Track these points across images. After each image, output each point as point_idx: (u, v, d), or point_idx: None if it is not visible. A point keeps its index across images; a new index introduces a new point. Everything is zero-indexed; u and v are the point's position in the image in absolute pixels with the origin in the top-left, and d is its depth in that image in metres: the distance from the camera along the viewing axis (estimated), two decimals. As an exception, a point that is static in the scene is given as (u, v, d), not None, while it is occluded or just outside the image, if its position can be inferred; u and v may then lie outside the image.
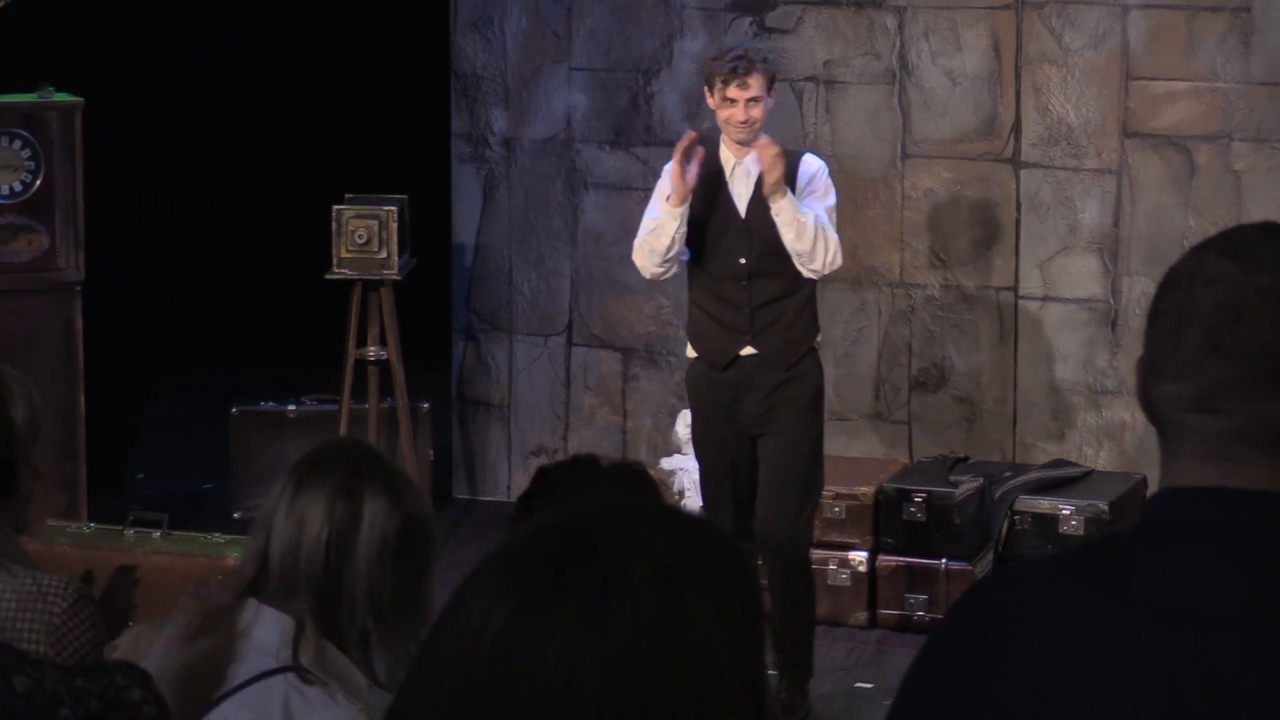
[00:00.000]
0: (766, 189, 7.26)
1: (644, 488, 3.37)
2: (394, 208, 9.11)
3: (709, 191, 7.43)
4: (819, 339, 7.64)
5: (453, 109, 10.01)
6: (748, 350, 7.44)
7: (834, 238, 7.38)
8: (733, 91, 7.28)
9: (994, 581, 2.47)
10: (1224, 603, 2.21)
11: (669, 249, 7.36)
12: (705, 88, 7.51)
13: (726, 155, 7.47)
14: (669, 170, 7.38)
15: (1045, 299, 9.23)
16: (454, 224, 10.07)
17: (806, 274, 7.39)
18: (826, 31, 9.40)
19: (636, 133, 9.67)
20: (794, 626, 7.53)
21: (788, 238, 7.29)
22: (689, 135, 7.42)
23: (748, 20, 9.48)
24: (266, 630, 3.48)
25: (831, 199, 7.50)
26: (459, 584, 1.79)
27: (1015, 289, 9.26)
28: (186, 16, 12.01)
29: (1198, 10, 8.94)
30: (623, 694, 1.69)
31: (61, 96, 8.37)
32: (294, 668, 3.45)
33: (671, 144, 8.85)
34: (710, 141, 7.54)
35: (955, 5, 9.22)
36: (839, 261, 7.48)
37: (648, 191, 9.43)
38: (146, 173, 11.18)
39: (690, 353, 7.64)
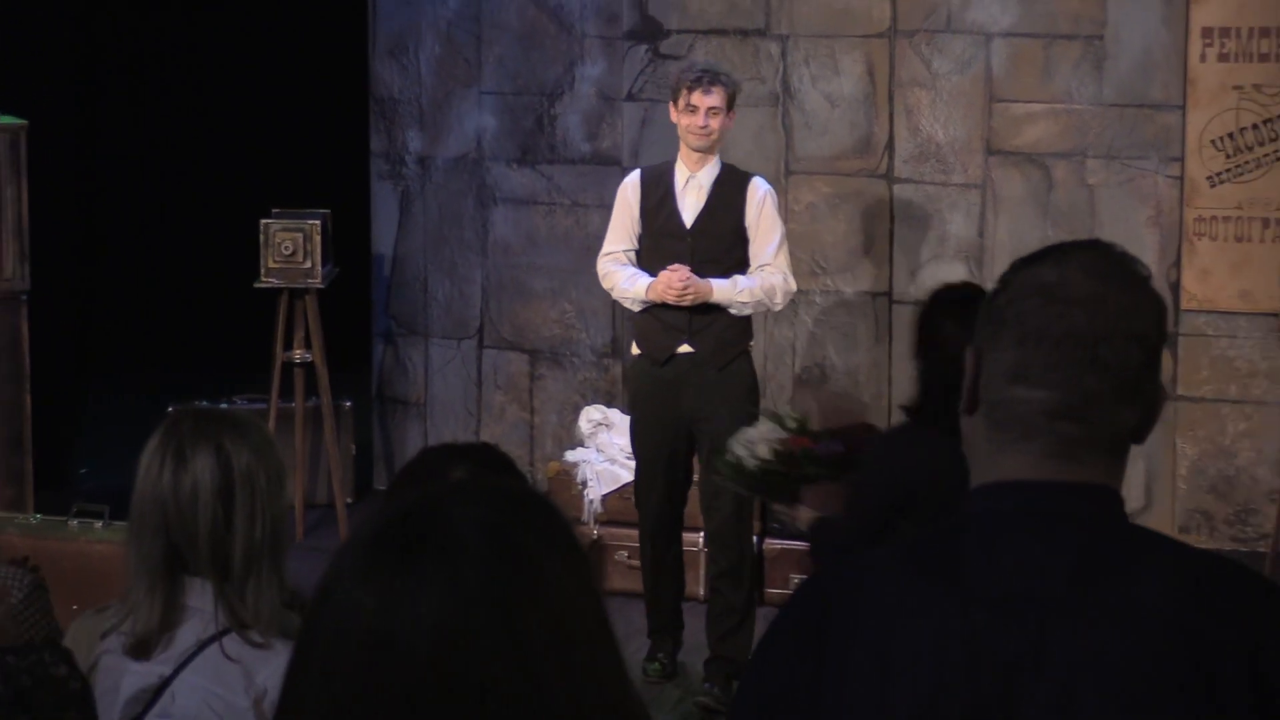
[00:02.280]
0: (691, 303, 7.26)
1: (498, 463, 3.40)
2: (318, 221, 9.10)
3: (660, 201, 7.40)
4: (752, 343, 7.62)
5: (371, 130, 10.02)
6: (685, 349, 7.41)
7: (777, 283, 7.35)
8: (696, 98, 7.26)
9: (832, 573, 2.43)
10: (1048, 586, 2.23)
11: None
12: (670, 102, 7.44)
13: (681, 168, 7.41)
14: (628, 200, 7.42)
15: (916, 303, 9.15)
16: (373, 236, 10.09)
17: None
18: (715, 58, 9.30)
19: (541, 151, 9.70)
20: (738, 621, 7.47)
21: (734, 311, 7.36)
22: (680, 273, 7.30)
23: (643, 48, 9.52)
24: (196, 596, 3.50)
25: (777, 234, 7.41)
26: (325, 572, 1.79)
27: (890, 294, 9.32)
28: (123, 45, 11.95)
29: (1054, 39, 9.03)
30: (497, 652, 1.70)
31: (7, 119, 8.31)
32: (232, 628, 3.48)
33: (573, 162, 8.99)
34: (667, 161, 7.55)
35: (834, 34, 9.29)
36: (791, 292, 7.48)
37: (552, 206, 9.56)
38: (87, 190, 11.11)
39: (634, 349, 7.57)
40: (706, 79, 7.26)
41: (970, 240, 9.19)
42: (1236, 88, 8.85)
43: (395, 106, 9.95)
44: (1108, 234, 8.96)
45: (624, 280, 7.43)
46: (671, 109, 7.44)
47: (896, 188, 9.28)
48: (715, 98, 7.27)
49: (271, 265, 9.10)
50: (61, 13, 10.26)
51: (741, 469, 5.59)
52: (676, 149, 7.46)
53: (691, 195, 7.40)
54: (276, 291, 9.19)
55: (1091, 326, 2.30)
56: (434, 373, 10.01)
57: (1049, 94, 9.07)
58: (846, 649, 2.27)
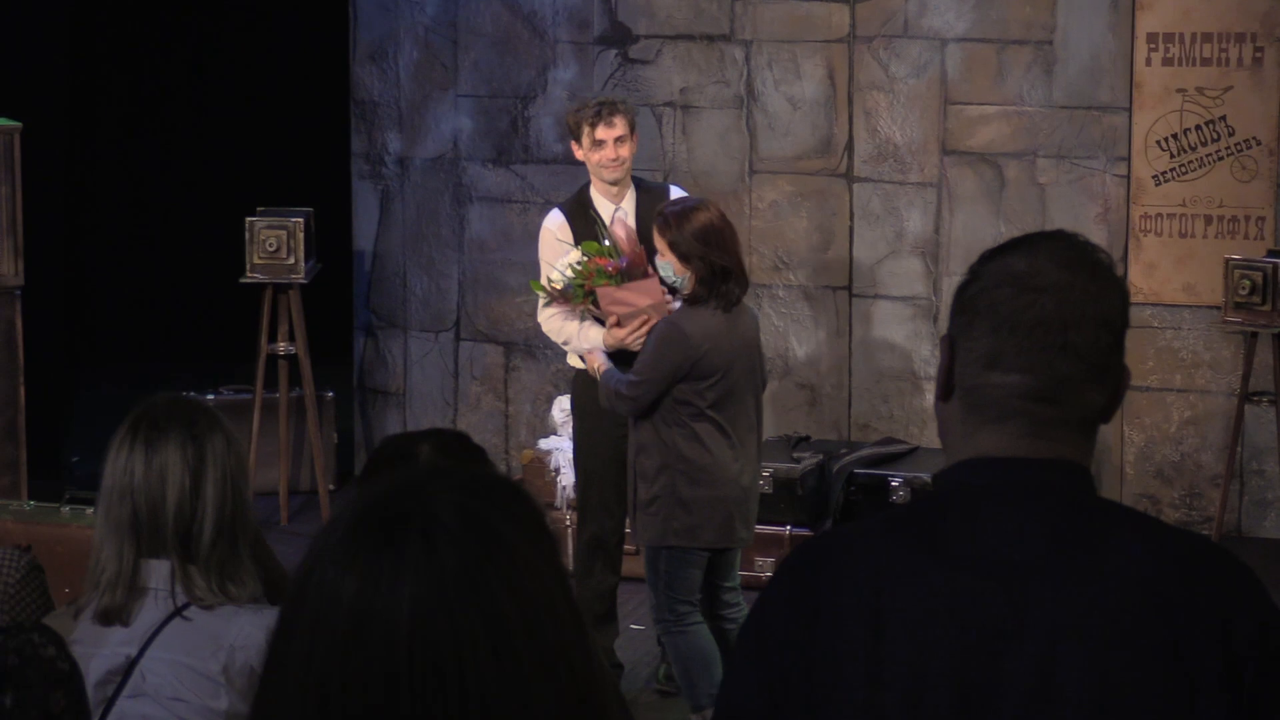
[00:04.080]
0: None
1: (457, 441, 3.46)
2: (301, 219, 9.08)
3: (589, 237, 7.03)
4: None
5: (352, 131, 10.03)
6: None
7: None
8: (601, 132, 6.97)
9: (821, 542, 2.45)
10: (1027, 551, 2.27)
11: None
12: (572, 141, 7.13)
13: (602, 202, 7.11)
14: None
15: (876, 297, 9.31)
16: (354, 233, 10.09)
17: None
18: (682, 62, 9.46)
19: (516, 152, 9.70)
20: None
21: None
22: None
23: (613, 53, 9.53)
24: (156, 577, 3.51)
25: None
26: (305, 554, 1.79)
27: (849, 288, 9.33)
28: (114, 50, 11.95)
29: (1006, 44, 9.06)
30: (473, 630, 1.70)
31: (2, 122, 8.29)
32: (190, 602, 3.49)
33: (546, 162, 8.98)
34: (585, 196, 7.19)
35: (795, 39, 9.30)
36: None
37: (526, 204, 9.57)
38: (78, 189, 11.10)
39: (574, 362, 7.22)
40: (605, 110, 6.98)
41: (927, 237, 9.21)
42: (1180, 90, 8.90)
43: (375, 109, 9.95)
44: (1058, 230, 8.97)
45: (556, 333, 7.06)
46: (575, 148, 7.12)
47: (856, 186, 9.30)
48: (618, 127, 7.00)
49: (256, 261, 9.08)
50: (54, 20, 10.24)
51: (550, 286, 6.90)
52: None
53: (618, 228, 7.02)
54: (261, 286, 9.17)
55: (1061, 313, 2.32)
56: (413, 364, 10.01)
57: (1001, 97, 9.10)
58: (839, 613, 2.29)
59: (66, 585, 4.97)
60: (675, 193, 7.19)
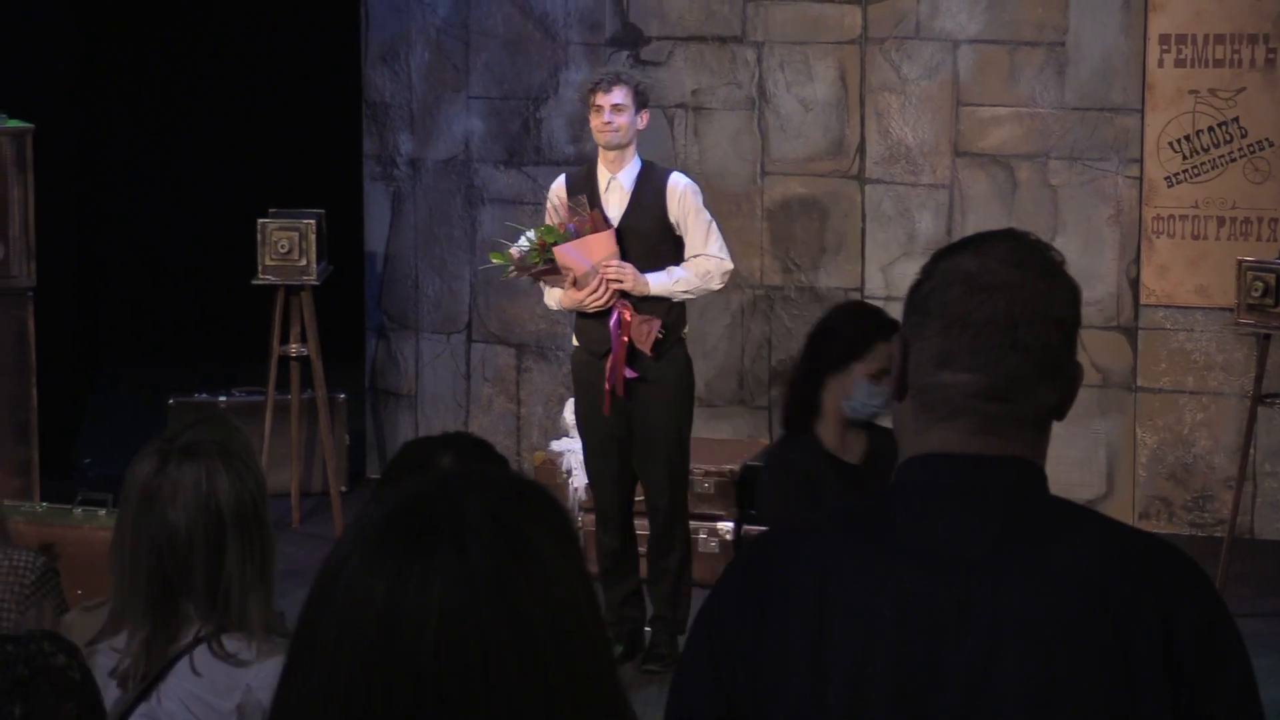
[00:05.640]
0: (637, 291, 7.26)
1: (478, 448, 3.42)
2: (312, 221, 9.05)
3: (588, 202, 7.37)
4: (686, 330, 7.53)
5: (364, 133, 10.01)
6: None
7: (712, 266, 7.35)
8: (599, 99, 7.32)
9: (770, 537, 2.48)
10: (973, 549, 2.27)
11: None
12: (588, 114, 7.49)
13: (603, 170, 7.40)
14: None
15: (888, 299, 9.14)
16: (366, 235, 10.07)
17: None
18: (694, 64, 9.44)
19: (527, 153, 9.69)
20: (672, 584, 7.53)
21: (676, 300, 7.35)
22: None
23: (625, 54, 9.50)
24: (186, 615, 3.41)
25: (704, 224, 7.39)
26: (330, 556, 1.78)
27: (861, 290, 9.29)
28: (126, 51, 11.95)
29: (1018, 45, 9.03)
30: (502, 635, 1.70)
31: (14, 123, 8.26)
32: (214, 632, 3.41)
33: (558, 164, 8.97)
34: (590, 161, 7.59)
35: (807, 41, 9.28)
36: (727, 271, 7.42)
37: (539, 205, 9.49)
38: (90, 191, 11.09)
39: (574, 340, 7.53)
40: (608, 79, 7.38)
41: (938, 238, 9.14)
42: (1193, 92, 8.88)
43: (387, 111, 9.93)
44: (1070, 232, 8.98)
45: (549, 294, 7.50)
46: (589, 116, 7.50)
47: (868, 188, 9.28)
48: (617, 95, 7.34)
49: (268, 263, 9.05)
50: (65, 20, 10.23)
51: (510, 256, 7.35)
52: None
53: (615, 195, 7.39)
54: (273, 288, 9.15)
55: (1011, 311, 2.31)
56: (424, 366, 9.99)
57: (1013, 98, 9.07)
58: (786, 606, 2.30)
59: (79, 587, 4.97)
60: (675, 183, 7.38)
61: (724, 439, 9.27)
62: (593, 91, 7.38)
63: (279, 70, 11.89)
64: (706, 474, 8.49)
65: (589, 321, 7.42)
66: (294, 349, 9.22)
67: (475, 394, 9.91)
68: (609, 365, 7.26)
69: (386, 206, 10.00)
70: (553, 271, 7.27)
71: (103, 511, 6.88)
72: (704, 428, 8.78)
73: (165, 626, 3.39)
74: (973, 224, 9.11)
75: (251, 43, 11.99)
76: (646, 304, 7.33)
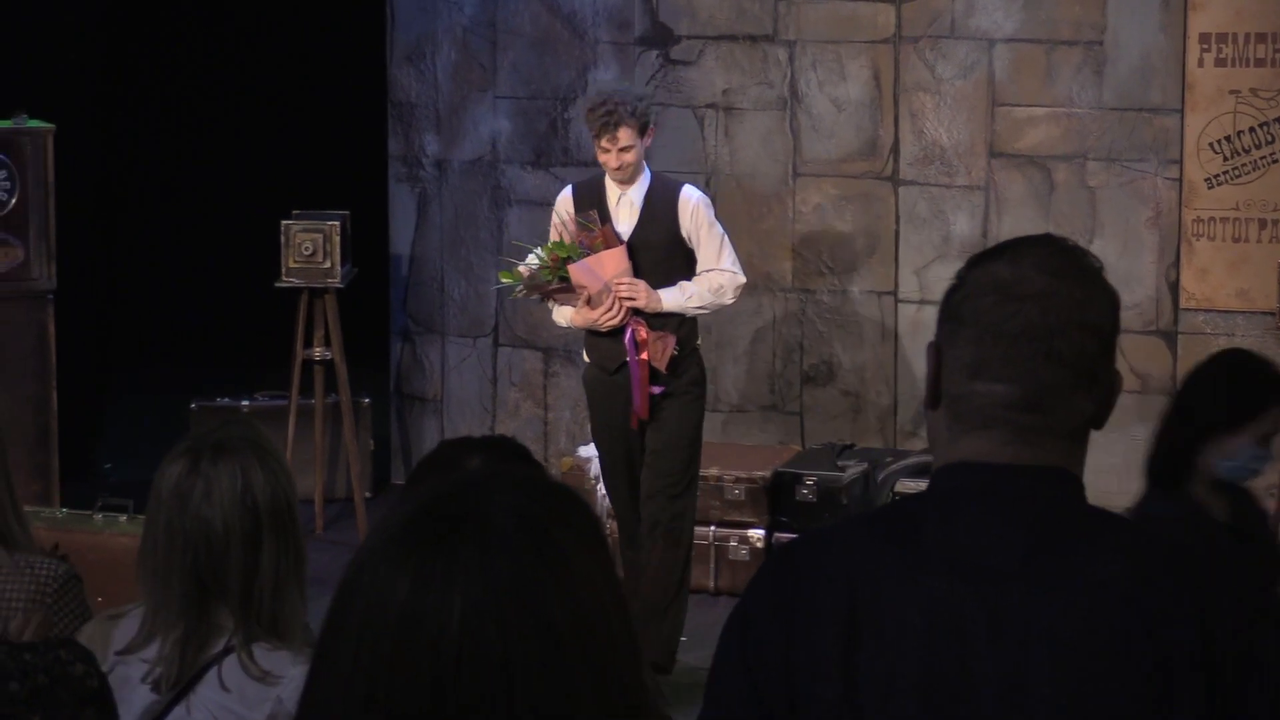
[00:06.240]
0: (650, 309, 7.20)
1: (516, 455, 3.34)
2: (337, 222, 9.04)
3: (599, 217, 7.31)
4: (699, 342, 7.49)
5: (390, 133, 9.96)
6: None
7: (725, 281, 7.25)
8: (605, 143, 7.21)
9: (801, 543, 2.47)
10: (1004, 559, 2.25)
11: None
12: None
13: (611, 186, 7.34)
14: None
15: (921, 302, 9.20)
16: (391, 237, 10.02)
17: None
18: (725, 63, 9.38)
19: (555, 154, 9.63)
20: (670, 596, 7.37)
21: (689, 315, 7.30)
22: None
23: (654, 53, 9.44)
24: (220, 622, 3.41)
25: (716, 239, 7.29)
26: (356, 555, 1.77)
27: (895, 293, 9.23)
28: (147, 51, 11.94)
29: (1055, 44, 8.95)
30: (524, 638, 1.69)
31: (34, 123, 8.29)
32: (244, 641, 3.39)
33: (586, 165, 8.90)
34: (598, 172, 7.46)
35: (840, 39, 9.21)
36: (740, 285, 7.31)
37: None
38: (111, 192, 11.10)
39: (585, 357, 7.54)
40: (611, 124, 7.19)
41: (974, 241, 9.07)
42: (1233, 92, 8.79)
43: (413, 111, 9.88)
44: (1108, 234, 8.87)
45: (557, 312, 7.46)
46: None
47: (902, 189, 9.20)
48: (622, 139, 7.21)
49: (292, 265, 9.04)
50: (87, 21, 10.23)
51: (520, 274, 7.31)
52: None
53: (625, 210, 7.32)
54: (297, 291, 9.13)
55: (1045, 321, 2.29)
56: (450, 370, 9.94)
57: (1050, 98, 9.00)
58: (817, 611, 2.29)
59: (99, 594, 4.94)
60: (686, 197, 7.30)
61: (755, 445, 9.22)
62: (597, 136, 7.25)
63: (303, 70, 11.88)
64: (737, 480, 8.47)
65: (599, 338, 7.37)
66: (318, 353, 9.21)
67: (502, 398, 9.86)
68: (634, 390, 7.19)
69: (412, 208, 9.95)
70: (565, 289, 7.22)
71: (124, 518, 6.91)
72: (733, 433, 8.72)
73: (198, 630, 3.38)
74: (1008, 226, 9.04)
75: (275, 42, 11.97)
76: (659, 320, 7.27)
